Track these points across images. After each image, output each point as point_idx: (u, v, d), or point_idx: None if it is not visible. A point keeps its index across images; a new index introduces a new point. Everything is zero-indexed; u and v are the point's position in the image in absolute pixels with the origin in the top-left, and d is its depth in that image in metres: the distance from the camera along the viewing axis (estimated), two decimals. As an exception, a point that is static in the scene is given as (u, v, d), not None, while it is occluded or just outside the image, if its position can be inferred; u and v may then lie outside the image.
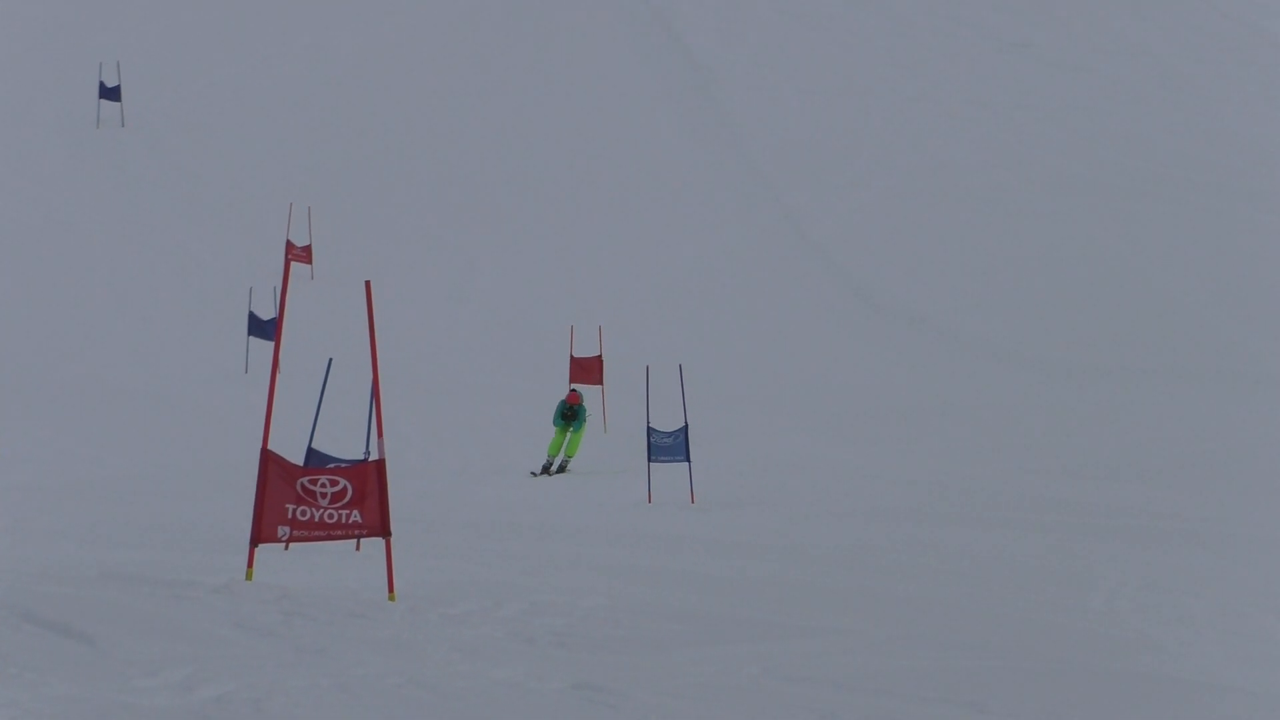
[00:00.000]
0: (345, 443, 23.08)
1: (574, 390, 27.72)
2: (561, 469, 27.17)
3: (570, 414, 27.14)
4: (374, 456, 13.55)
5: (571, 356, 34.83)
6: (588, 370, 34.38)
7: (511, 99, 62.76)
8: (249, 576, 13.30)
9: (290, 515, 13.08)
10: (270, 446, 13.12)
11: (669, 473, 25.66)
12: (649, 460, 24.83)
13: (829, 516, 22.84)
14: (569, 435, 27.34)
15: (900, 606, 15.86)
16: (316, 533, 13.16)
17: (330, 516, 13.12)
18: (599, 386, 34.27)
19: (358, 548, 17.97)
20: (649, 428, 25.00)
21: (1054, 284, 47.97)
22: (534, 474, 26.99)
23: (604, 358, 34.86)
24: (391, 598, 13.46)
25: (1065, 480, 27.77)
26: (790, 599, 16.15)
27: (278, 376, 13.64)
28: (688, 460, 24.95)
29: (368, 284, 13.63)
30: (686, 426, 25.21)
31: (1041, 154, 57.99)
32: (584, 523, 21.72)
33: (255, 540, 13.15)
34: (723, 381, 40.14)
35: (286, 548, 16.52)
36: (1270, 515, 23.91)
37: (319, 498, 13.10)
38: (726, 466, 27.95)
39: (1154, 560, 19.70)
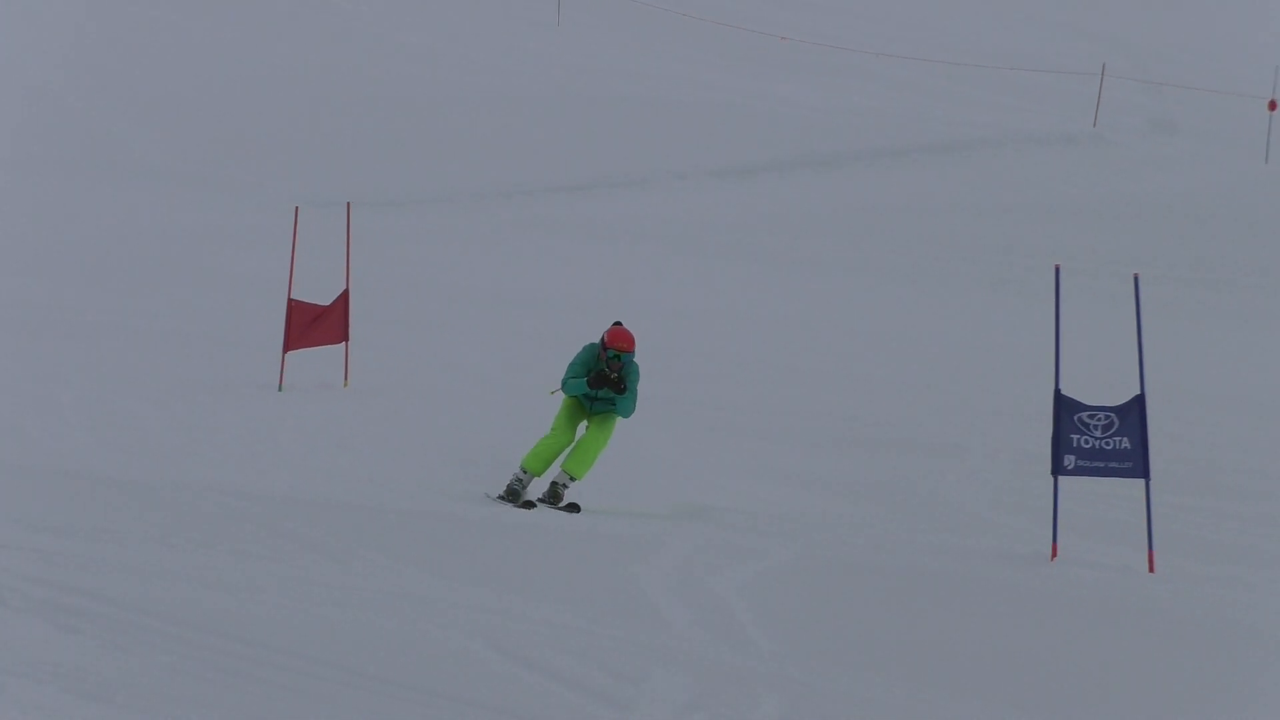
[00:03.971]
0: None
1: (622, 326, 14.45)
2: (555, 498, 14.25)
3: (604, 379, 14.16)
4: None
5: None
6: None
7: None
8: None
9: None
10: None
11: None
12: None
13: None
14: (584, 427, 14.47)
15: None
16: None
17: None
18: None
19: None
20: None
21: None
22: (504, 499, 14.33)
23: None
24: None
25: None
26: None
27: None
28: None
29: None
30: None
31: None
32: None
33: None
34: None
35: None
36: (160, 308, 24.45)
37: None
38: None
39: (21, 351, 19.96)
